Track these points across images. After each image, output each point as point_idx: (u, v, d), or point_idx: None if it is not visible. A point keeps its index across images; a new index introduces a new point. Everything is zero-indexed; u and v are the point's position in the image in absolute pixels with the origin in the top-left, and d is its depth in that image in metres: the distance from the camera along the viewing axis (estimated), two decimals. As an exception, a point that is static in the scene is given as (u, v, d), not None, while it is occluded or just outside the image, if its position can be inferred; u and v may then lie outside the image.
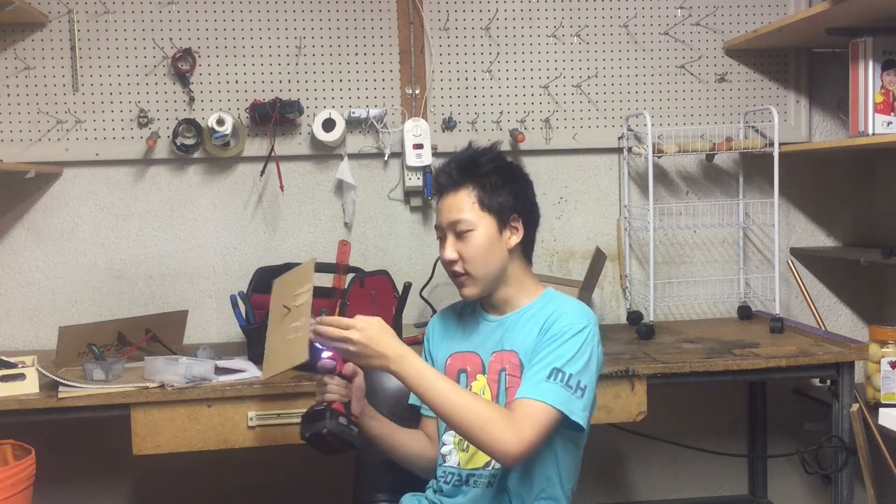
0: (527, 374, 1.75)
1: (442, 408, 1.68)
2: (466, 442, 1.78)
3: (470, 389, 1.86)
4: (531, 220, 1.90)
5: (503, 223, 1.84)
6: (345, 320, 1.70)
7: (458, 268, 1.83)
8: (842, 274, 3.08)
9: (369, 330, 1.69)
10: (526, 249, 1.91)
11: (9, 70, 2.73)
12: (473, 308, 1.95)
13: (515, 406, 1.70)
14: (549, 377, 1.70)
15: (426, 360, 1.98)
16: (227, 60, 2.80)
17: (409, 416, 2.00)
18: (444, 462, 1.89)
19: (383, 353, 1.68)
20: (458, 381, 1.88)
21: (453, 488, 1.86)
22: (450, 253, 1.83)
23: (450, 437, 1.88)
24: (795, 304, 3.07)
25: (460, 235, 1.82)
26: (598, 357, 1.79)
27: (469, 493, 1.83)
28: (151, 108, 2.78)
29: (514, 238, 1.86)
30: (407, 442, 1.94)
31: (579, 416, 1.71)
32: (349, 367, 1.82)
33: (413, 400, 1.99)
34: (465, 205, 1.82)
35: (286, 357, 1.72)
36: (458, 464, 1.86)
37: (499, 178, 1.85)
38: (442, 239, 1.87)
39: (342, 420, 1.75)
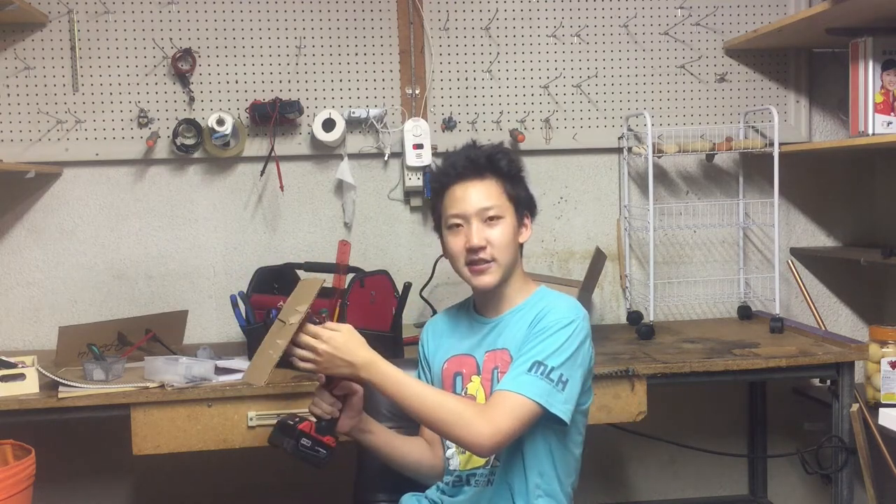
0: (511, 367, 1.76)
1: (415, 410, 1.69)
2: None
3: (465, 391, 1.87)
4: (532, 221, 1.93)
5: (520, 218, 1.86)
6: (312, 329, 1.70)
7: (485, 254, 1.80)
8: (842, 274, 3.08)
9: (335, 340, 1.69)
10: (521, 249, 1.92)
11: (9, 70, 2.73)
12: (468, 311, 1.95)
13: (493, 398, 1.71)
14: (529, 370, 1.70)
15: (422, 365, 1.99)
16: (227, 60, 2.80)
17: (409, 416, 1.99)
18: (449, 465, 1.90)
19: (351, 362, 1.69)
20: (454, 384, 1.89)
21: (454, 488, 1.87)
22: (479, 239, 1.80)
23: (451, 442, 1.88)
24: (795, 304, 3.06)
25: (490, 221, 1.81)
26: (587, 352, 1.79)
27: (469, 493, 1.84)
28: (151, 108, 2.78)
29: (525, 234, 1.88)
30: (405, 451, 1.94)
31: (559, 409, 1.70)
32: (345, 386, 1.81)
33: None
34: (493, 192, 1.83)
35: (255, 371, 1.72)
36: (459, 466, 1.87)
37: (518, 175, 1.88)
38: (459, 227, 1.83)
39: (305, 441, 1.78)
